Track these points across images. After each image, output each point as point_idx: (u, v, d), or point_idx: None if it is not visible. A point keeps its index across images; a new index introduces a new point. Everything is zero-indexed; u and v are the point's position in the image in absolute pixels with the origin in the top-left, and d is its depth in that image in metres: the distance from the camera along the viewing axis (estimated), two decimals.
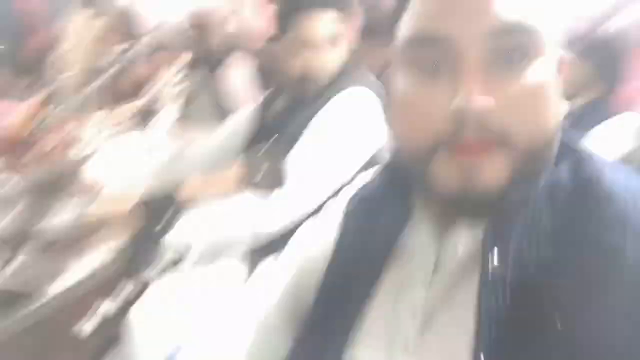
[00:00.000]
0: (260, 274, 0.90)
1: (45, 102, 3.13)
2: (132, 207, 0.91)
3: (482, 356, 0.42)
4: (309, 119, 1.18)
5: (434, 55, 0.45)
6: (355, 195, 0.61)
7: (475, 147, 0.43)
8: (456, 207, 0.47)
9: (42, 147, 1.90)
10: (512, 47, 0.44)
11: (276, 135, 1.25)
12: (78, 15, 4.24)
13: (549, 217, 0.45)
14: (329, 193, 1.07)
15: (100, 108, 2.38)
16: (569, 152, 0.49)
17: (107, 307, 1.23)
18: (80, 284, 0.97)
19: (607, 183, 0.45)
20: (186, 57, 2.94)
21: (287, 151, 1.16)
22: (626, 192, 0.45)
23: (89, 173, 1.56)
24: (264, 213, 1.07)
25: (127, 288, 1.32)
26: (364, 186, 0.61)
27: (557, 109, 0.47)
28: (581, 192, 0.46)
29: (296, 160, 1.14)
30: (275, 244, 1.02)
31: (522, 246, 0.45)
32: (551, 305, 0.42)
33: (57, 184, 1.21)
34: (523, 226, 0.45)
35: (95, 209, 0.86)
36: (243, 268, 1.19)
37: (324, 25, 1.16)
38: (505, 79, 0.44)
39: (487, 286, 0.44)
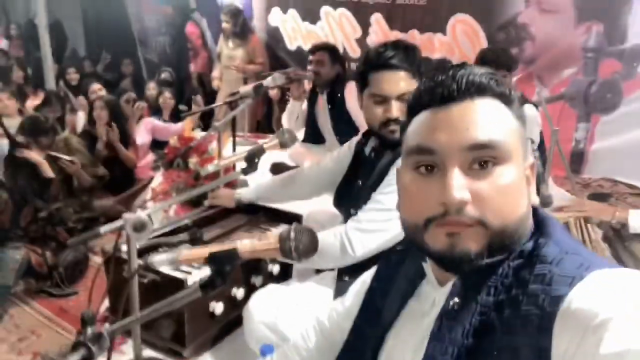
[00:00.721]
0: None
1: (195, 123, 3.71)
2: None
3: None
4: (391, 163, 1.41)
5: (428, 160, 0.65)
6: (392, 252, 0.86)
7: (457, 226, 0.62)
8: (444, 265, 0.66)
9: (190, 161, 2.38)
10: (484, 157, 0.62)
11: (362, 180, 1.50)
12: (224, 44, 4.90)
13: (508, 279, 0.64)
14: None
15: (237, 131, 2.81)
16: (538, 232, 0.67)
17: (235, 292, 1.60)
18: None
19: (545, 255, 0.62)
20: (308, 85, 3.34)
21: (371, 192, 1.40)
22: (553, 258, 0.61)
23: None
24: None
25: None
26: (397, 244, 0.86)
27: (524, 201, 0.65)
28: (528, 263, 0.63)
29: (379, 198, 1.38)
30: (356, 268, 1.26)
31: (482, 296, 0.64)
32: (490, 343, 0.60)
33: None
34: (489, 282, 0.64)
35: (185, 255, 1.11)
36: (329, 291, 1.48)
37: (396, 82, 1.37)
38: (479, 180, 0.62)
39: (440, 318, 0.67)
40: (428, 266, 0.74)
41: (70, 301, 2.52)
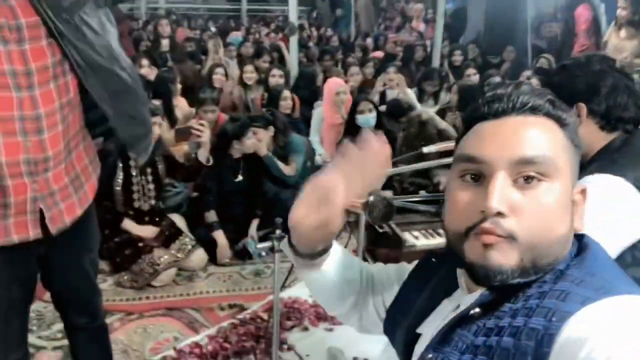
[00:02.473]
0: None
1: None
2: None
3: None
4: None
5: (474, 169, 0.67)
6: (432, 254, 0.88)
7: (490, 236, 0.64)
8: (474, 276, 0.68)
9: None
10: (529, 173, 0.64)
11: None
12: (614, 32, 4.34)
13: (531, 290, 0.64)
14: None
15: None
16: (577, 256, 0.65)
17: None
18: None
19: (571, 274, 0.63)
20: None
21: None
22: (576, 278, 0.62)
23: None
24: None
25: None
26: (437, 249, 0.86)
27: (564, 223, 0.65)
28: (553, 280, 0.63)
29: None
30: None
31: (500, 310, 0.65)
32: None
33: None
34: (514, 301, 0.65)
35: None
36: None
37: None
38: (521, 194, 0.64)
39: (458, 319, 0.69)
40: (460, 273, 0.76)
41: None
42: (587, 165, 1.32)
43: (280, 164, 3.34)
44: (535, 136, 0.65)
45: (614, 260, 1.17)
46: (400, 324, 0.86)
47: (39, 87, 1.16)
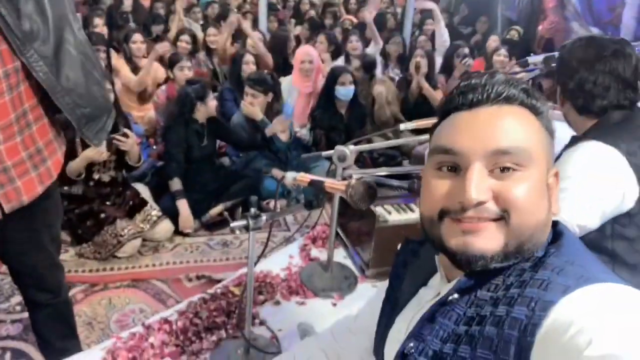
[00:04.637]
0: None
1: None
2: None
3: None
4: None
5: (450, 160, 0.67)
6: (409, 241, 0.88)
7: (475, 224, 0.64)
8: (456, 263, 0.67)
9: None
10: (505, 163, 0.64)
11: None
12: None
13: (510, 279, 0.64)
14: None
15: None
16: (553, 242, 0.67)
17: None
18: None
19: (550, 263, 0.63)
20: None
21: None
22: (556, 266, 0.62)
23: None
24: None
25: None
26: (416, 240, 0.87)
27: (543, 208, 0.66)
28: (533, 268, 0.64)
29: None
30: None
31: (482, 291, 0.65)
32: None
33: None
34: (493, 280, 0.65)
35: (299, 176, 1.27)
36: None
37: None
38: (500, 180, 0.65)
39: (437, 305, 0.69)
40: (439, 260, 0.76)
41: None
42: (583, 135, 1.35)
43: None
44: (509, 126, 0.65)
45: (595, 231, 1.23)
46: (386, 312, 0.87)
47: None
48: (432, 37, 5.30)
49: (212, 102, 3.02)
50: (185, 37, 4.31)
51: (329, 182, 0.92)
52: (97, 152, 2.47)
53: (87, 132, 1.29)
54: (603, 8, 4.84)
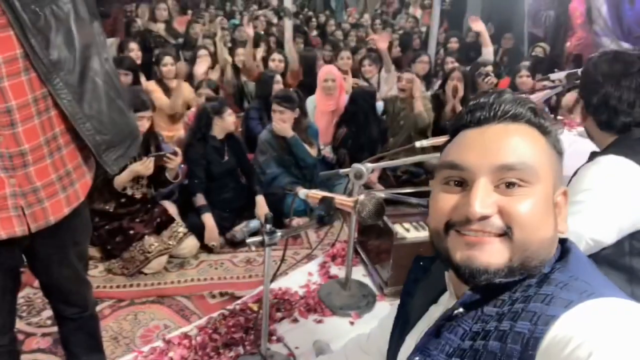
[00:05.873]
0: None
1: None
2: None
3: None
4: None
5: (457, 175, 0.69)
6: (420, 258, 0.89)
7: (478, 238, 0.65)
8: (461, 276, 0.68)
9: None
10: (511, 179, 0.65)
11: None
12: None
13: (516, 294, 0.65)
14: None
15: None
16: (560, 260, 0.66)
17: None
18: None
19: (555, 278, 0.64)
20: None
21: None
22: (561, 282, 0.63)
23: None
24: None
25: None
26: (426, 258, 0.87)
27: (549, 226, 0.65)
28: (538, 283, 0.64)
29: None
30: None
31: (489, 306, 0.66)
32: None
33: None
34: (501, 304, 0.65)
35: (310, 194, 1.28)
36: None
37: None
38: (505, 196, 0.66)
39: (443, 320, 0.69)
40: (449, 277, 0.77)
41: None
42: (603, 151, 1.33)
43: (306, 147, 3.32)
44: (516, 143, 0.67)
45: (613, 247, 1.20)
46: (397, 331, 0.88)
47: (7, 79, 1.12)
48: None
49: (229, 117, 3.08)
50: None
51: (339, 199, 0.94)
52: (145, 166, 2.55)
53: (105, 158, 1.33)
54: (633, 22, 4.74)
